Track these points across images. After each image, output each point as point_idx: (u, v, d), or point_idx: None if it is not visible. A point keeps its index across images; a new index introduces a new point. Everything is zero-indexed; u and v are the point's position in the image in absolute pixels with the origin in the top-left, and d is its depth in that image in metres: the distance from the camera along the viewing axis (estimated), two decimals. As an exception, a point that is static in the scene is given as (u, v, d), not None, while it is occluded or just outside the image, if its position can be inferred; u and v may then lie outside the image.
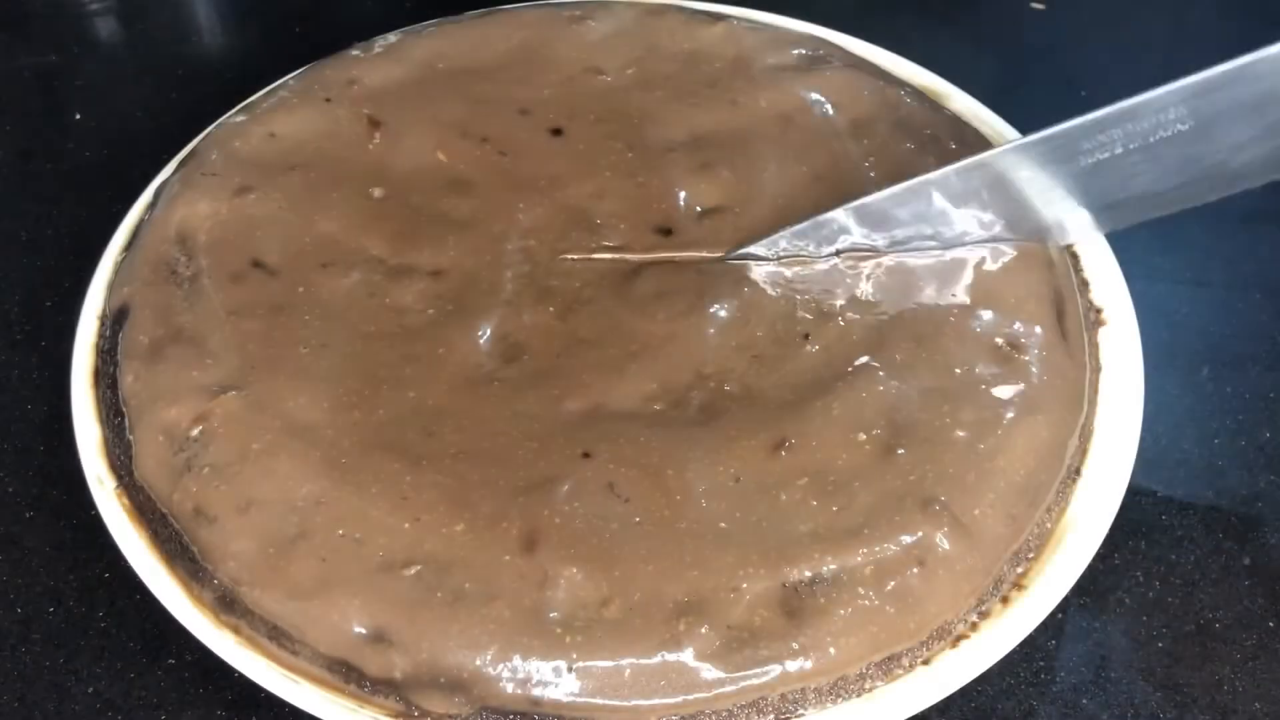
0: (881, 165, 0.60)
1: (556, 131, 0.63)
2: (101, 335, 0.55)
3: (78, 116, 0.78)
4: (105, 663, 0.51)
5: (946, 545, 0.46)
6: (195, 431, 0.49)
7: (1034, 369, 0.51)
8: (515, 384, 0.51)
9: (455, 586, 0.44)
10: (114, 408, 0.52)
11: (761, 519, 0.46)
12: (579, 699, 0.42)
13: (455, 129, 0.62)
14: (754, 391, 0.51)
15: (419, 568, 0.44)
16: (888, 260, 0.56)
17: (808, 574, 0.45)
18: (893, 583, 0.45)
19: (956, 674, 0.45)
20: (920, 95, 0.65)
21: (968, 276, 0.55)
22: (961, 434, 0.49)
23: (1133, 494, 0.51)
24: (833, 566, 0.45)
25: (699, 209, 0.59)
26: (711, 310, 0.54)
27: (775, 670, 0.43)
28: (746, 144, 0.62)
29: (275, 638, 0.45)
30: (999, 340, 0.52)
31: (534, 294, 0.55)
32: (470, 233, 0.57)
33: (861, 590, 0.44)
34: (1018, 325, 0.53)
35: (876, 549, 0.45)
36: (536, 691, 0.42)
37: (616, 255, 0.57)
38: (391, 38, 0.68)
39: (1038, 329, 0.52)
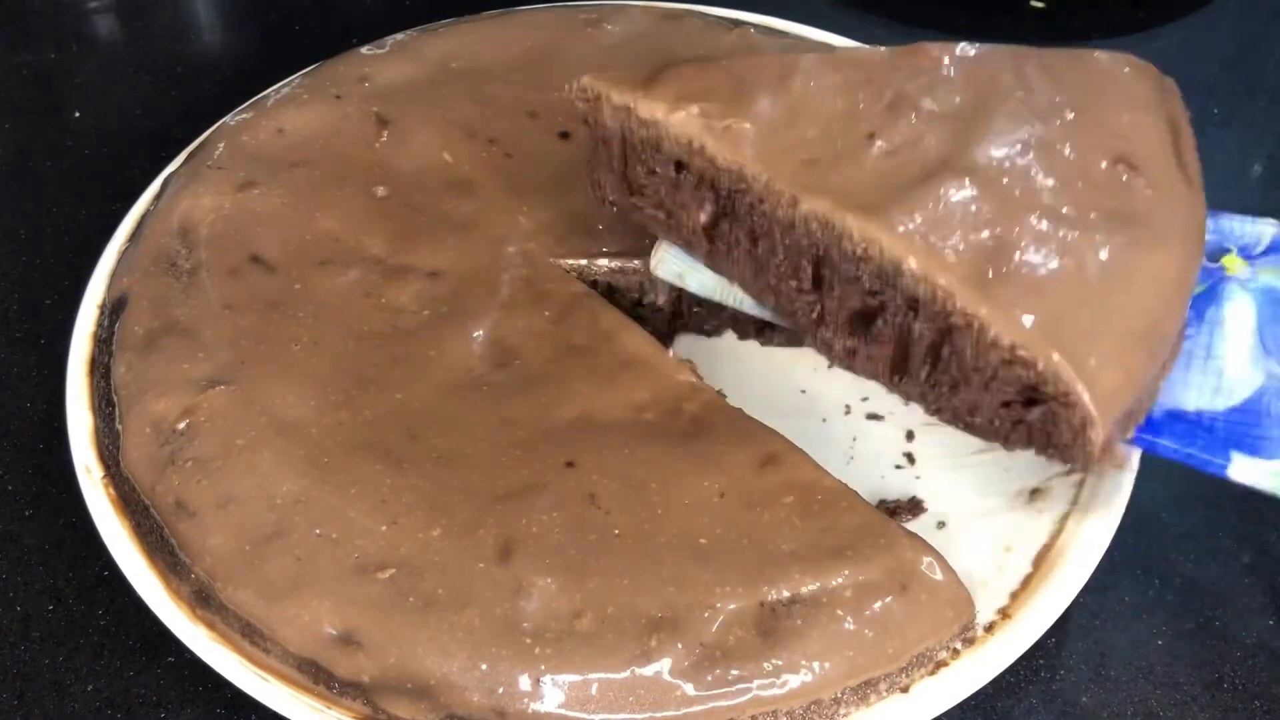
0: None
1: (565, 135, 0.62)
2: (100, 325, 0.56)
3: (77, 114, 0.78)
4: (105, 661, 0.51)
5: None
6: (182, 425, 0.49)
7: (1152, 195, 0.46)
8: (504, 389, 0.51)
9: (427, 592, 0.44)
10: (106, 397, 0.52)
11: (743, 536, 0.46)
12: (545, 711, 0.42)
13: (463, 129, 0.62)
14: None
15: (393, 571, 0.44)
16: (971, 49, 0.51)
17: (786, 594, 0.44)
18: (873, 606, 0.44)
19: (934, 702, 0.44)
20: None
21: (1070, 78, 0.50)
22: (1072, 265, 0.44)
23: (1133, 493, 0.50)
24: (813, 587, 0.44)
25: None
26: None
27: (747, 691, 0.42)
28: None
29: (248, 635, 0.45)
30: (1110, 159, 0.47)
31: (530, 298, 0.55)
32: (471, 234, 0.57)
33: (840, 613, 0.44)
34: (1132, 144, 0.47)
35: (858, 571, 0.44)
36: (503, 702, 0.42)
37: (616, 261, 0.57)
38: (404, 35, 0.68)
39: (1154, 151, 0.48)
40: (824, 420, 0.56)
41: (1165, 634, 0.52)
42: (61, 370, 0.54)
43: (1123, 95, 0.50)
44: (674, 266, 0.53)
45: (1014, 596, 0.48)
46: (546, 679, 0.42)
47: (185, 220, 0.57)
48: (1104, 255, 0.44)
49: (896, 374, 0.47)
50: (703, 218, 0.50)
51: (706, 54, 0.66)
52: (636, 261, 0.57)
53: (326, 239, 0.57)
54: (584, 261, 0.57)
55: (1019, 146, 0.47)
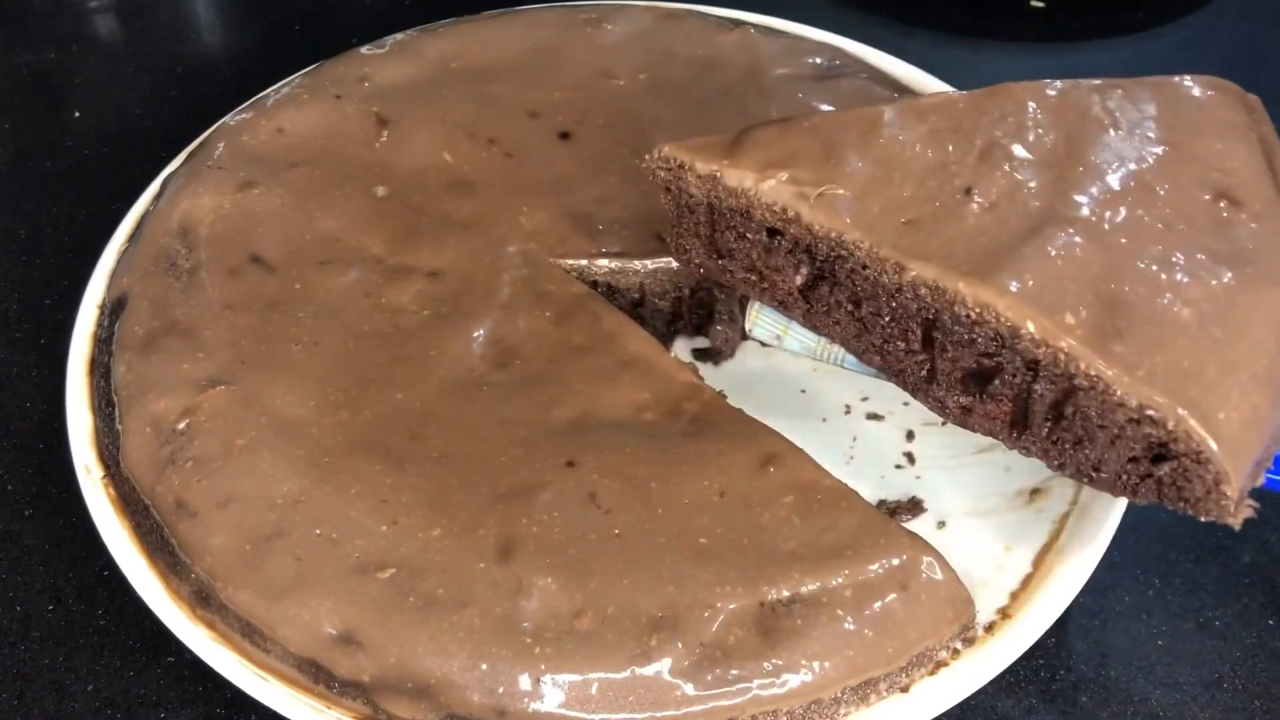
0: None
1: (565, 135, 0.62)
2: (100, 325, 0.56)
3: (77, 114, 0.79)
4: (104, 661, 0.51)
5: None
6: (182, 425, 0.49)
7: (1257, 229, 0.45)
8: (505, 389, 0.51)
9: (428, 591, 0.44)
10: (106, 397, 0.52)
11: (743, 536, 0.46)
12: (546, 711, 0.42)
13: (463, 129, 0.62)
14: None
15: (393, 571, 0.44)
16: (1054, 87, 0.50)
17: (786, 594, 0.44)
18: (873, 606, 0.44)
19: (934, 702, 0.44)
20: (935, 109, 0.64)
21: (1156, 108, 0.49)
22: (1189, 314, 0.43)
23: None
24: (813, 587, 0.44)
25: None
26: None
27: (747, 691, 0.42)
28: (755, 153, 0.61)
29: (248, 635, 0.45)
30: (1210, 194, 0.46)
31: (530, 298, 0.54)
32: (471, 234, 0.57)
33: (840, 612, 0.44)
34: (1230, 174, 0.47)
35: (858, 571, 0.44)
36: (503, 702, 0.42)
37: (617, 261, 0.57)
38: (404, 35, 0.68)
39: (1253, 179, 0.47)
40: (824, 420, 0.56)
41: (1165, 634, 0.52)
42: (61, 370, 0.54)
43: (1212, 122, 0.49)
44: (770, 328, 0.53)
45: (1014, 596, 0.48)
46: (546, 678, 0.42)
47: (185, 220, 0.57)
48: (1219, 300, 0.43)
49: (1016, 431, 0.46)
50: (799, 280, 0.49)
51: (708, 54, 0.66)
52: (636, 262, 0.57)
53: (326, 239, 0.57)
54: (584, 262, 0.57)
55: (1118, 190, 0.46)
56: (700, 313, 0.59)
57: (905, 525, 0.48)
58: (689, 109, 0.63)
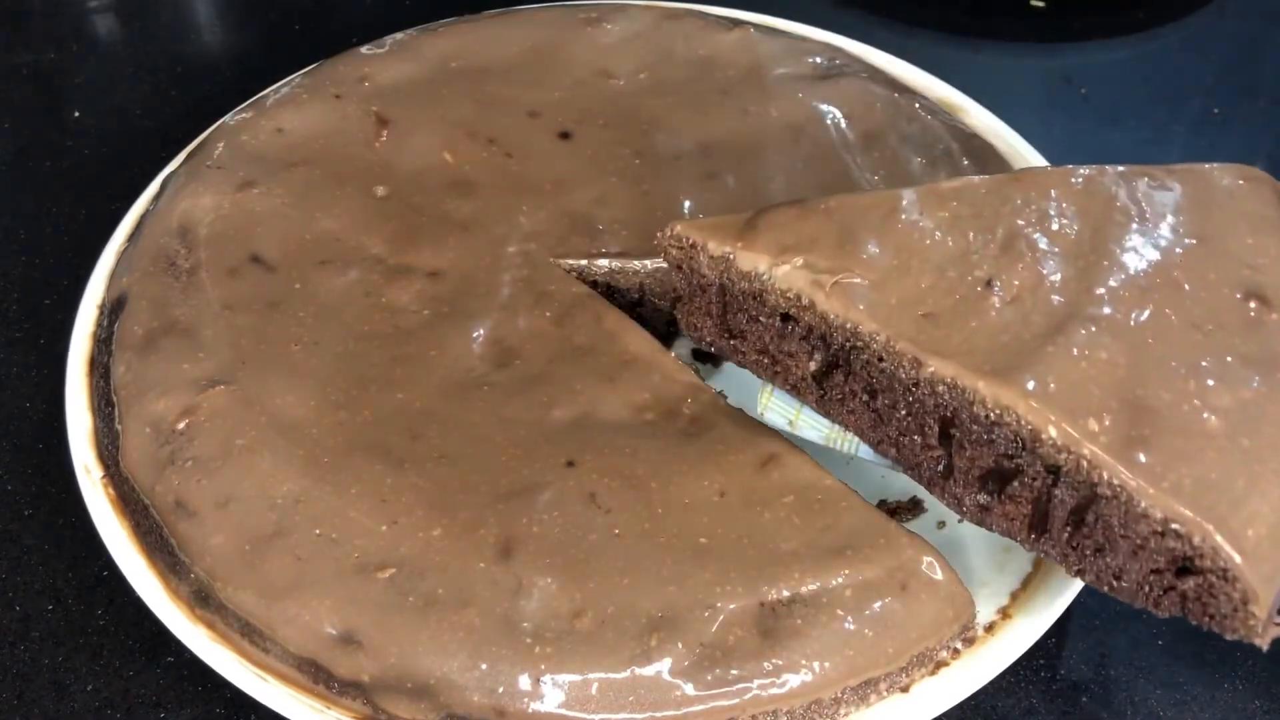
0: (891, 180, 0.59)
1: (564, 135, 0.62)
2: (100, 324, 0.56)
3: (77, 114, 0.79)
4: (104, 661, 0.51)
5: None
6: (181, 425, 0.49)
7: None
8: (505, 389, 0.51)
9: (428, 591, 0.44)
10: (105, 397, 0.52)
11: (743, 536, 0.46)
12: (545, 711, 0.42)
13: (463, 129, 0.62)
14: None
15: (393, 571, 0.44)
16: (1080, 174, 0.48)
17: (786, 594, 0.44)
18: (873, 606, 0.44)
19: (934, 702, 0.44)
20: (935, 108, 0.64)
21: (1185, 199, 0.47)
22: (1217, 423, 0.41)
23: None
24: (813, 587, 0.44)
25: (702, 218, 0.58)
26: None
27: (747, 691, 0.42)
28: (755, 154, 0.61)
29: (248, 635, 0.45)
30: (1240, 292, 0.44)
31: (531, 298, 0.54)
32: (471, 234, 0.57)
33: (840, 612, 0.44)
34: (1260, 271, 0.44)
35: (859, 571, 0.44)
36: (503, 701, 0.42)
37: (617, 261, 0.57)
38: (404, 35, 0.68)
39: None
40: (824, 420, 0.56)
41: (1165, 634, 0.52)
42: (61, 370, 0.54)
43: (1243, 215, 0.48)
44: (783, 412, 0.51)
45: (1014, 596, 0.48)
46: (546, 678, 0.42)
47: (185, 220, 0.57)
48: (1248, 408, 0.41)
49: (1035, 533, 0.44)
50: (812, 367, 0.48)
51: (707, 54, 0.66)
52: (636, 262, 0.56)
53: (326, 239, 0.57)
54: (584, 262, 0.57)
55: (1145, 287, 0.44)
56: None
57: (905, 525, 0.48)
58: (689, 109, 0.63)
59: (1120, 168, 0.49)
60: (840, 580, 0.44)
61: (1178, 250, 0.46)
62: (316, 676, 0.44)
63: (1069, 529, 0.43)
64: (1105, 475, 0.40)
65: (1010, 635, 0.46)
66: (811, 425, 0.50)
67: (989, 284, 0.45)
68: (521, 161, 0.61)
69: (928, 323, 0.44)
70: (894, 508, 0.52)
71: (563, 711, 0.42)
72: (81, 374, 0.54)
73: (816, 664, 0.43)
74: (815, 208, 0.48)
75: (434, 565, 0.44)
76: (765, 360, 0.50)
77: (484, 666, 0.42)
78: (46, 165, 0.75)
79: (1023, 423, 0.42)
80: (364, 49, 0.66)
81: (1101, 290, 0.45)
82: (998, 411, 0.42)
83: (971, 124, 0.64)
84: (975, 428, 0.43)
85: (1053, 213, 0.47)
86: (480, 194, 0.59)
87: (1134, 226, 0.47)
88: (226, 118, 0.63)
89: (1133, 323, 0.43)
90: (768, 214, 0.48)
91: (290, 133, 0.61)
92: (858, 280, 0.45)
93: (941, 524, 0.51)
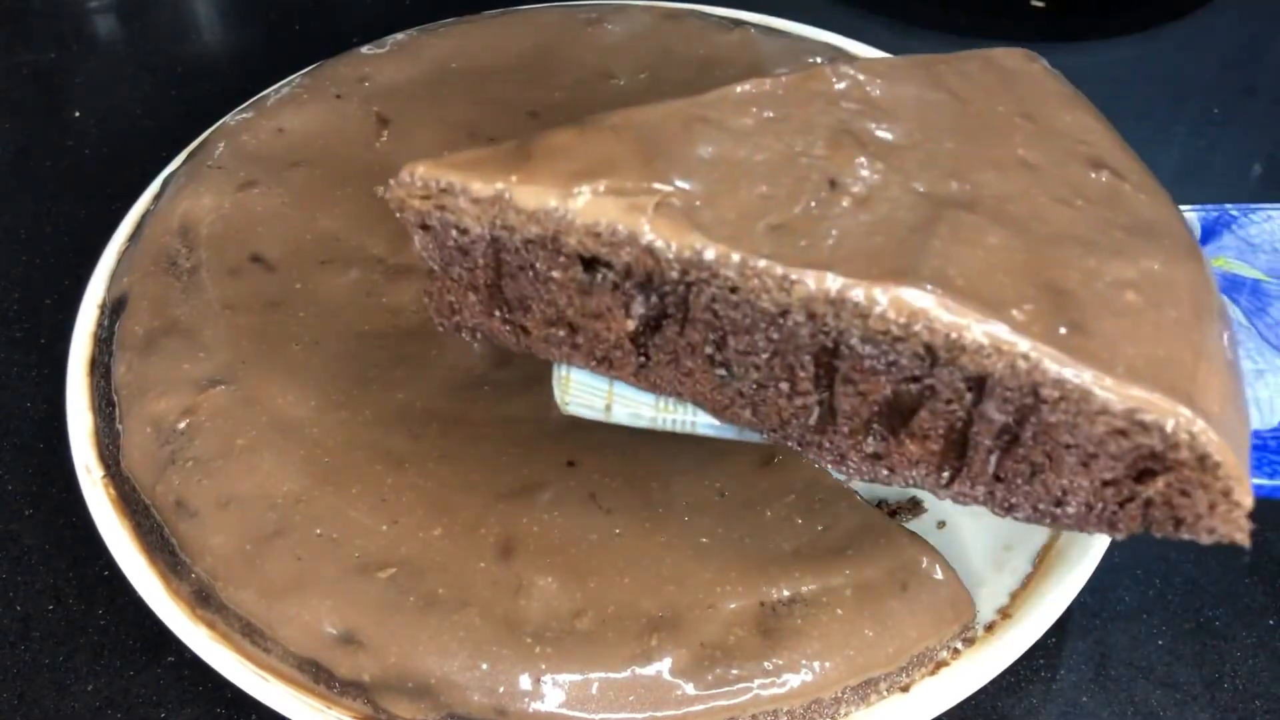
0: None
1: (565, 135, 0.62)
2: (100, 324, 0.56)
3: (77, 114, 0.78)
4: (105, 661, 0.51)
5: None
6: (182, 424, 0.49)
7: (1147, 200, 0.39)
8: (506, 388, 0.51)
9: (428, 591, 0.44)
10: (106, 397, 0.52)
11: (744, 535, 0.46)
12: (546, 710, 0.42)
13: (463, 129, 0.62)
14: None
15: (393, 571, 0.44)
16: (872, 69, 0.42)
17: (786, 593, 0.44)
18: (873, 606, 0.44)
19: (934, 702, 0.44)
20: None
21: (992, 83, 0.43)
22: (1134, 297, 0.36)
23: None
24: (813, 587, 0.44)
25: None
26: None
27: (747, 691, 0.42)
28: (755, 153, 0.61)
29: (248, 634, 0.45)
30: (1088, 166, 0.40)
31: (531, 298, 0.54)
32: (471, 234, 0.57)
33: (841, 612, 0.44)
34: (1093, 145, 0.41)
35: (859, 570, 0.45)
36: (504, 701, 0.42)
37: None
38: (404, 35, 0.68)
39: (1114, 148, 0.41)
40: (824, 420, 0.56)
41: (1165, 634, 0.52)
42: (61, 370, 0.54)
43: (1049, 93, 0.43)
44: (589, 398, 0.43)
45: (1014, 596, 0.48)
46: (547, 678, 0.42)
47: (185, 220, 0.57)
48: (1157, 278, 0.37)
49: (950, 473, 0.38)
50: (631, 325, 0.39)
51: (708, 54, 0.66)
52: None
53: (327, 239, 0.57)
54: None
55: (1001, 168, 0.40)
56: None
57: (905, 525, 0.48)
58: (689, 109, 0.63)
59: (911, 56, 0.44)
60: (841, 580, 0.44)
61: (1014, 131, 0.41)
62: (317, 676, 0.44)
63: (996, 455, 0.37)
64: (1050, 373, 0.34)
65: (1010, 635, 0.46)
66: (628, 406, 0.43)
67: (833, 184, 0.38)
68: (522, 161, 0.61)
69: (781, 234, 0.36)
70: (894, 508, 0.52)
71: (563, 711, 0.42)
72: (82, 374, 0.54)
73: (817, 664, 0.43)
74: (599, 125, 0.40)
75: (434, 565, 0.44)
76: (560, 333, 0.41)
77: (484, 666, 0.42)
78: (46, 165, 0.75)
79: (936, 328, 0.35)
80: (364, 49, 0.66)
81: (959, 175, 0.39)
82: (903, 321, 0.35)
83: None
84: (868, 351, 0.36)
85: (869, 104, 0.41)
86: (481, 194, 0.59)
87: (960, 109, 0.41)
88: (227, 118, 0.63)
89: (1007, 205, 0.38)
90: (542, 138, 0.39)
91: (291, 133, 0.61)
92: (685, 197, 0.37)
93: (941, 524, 0.51)
